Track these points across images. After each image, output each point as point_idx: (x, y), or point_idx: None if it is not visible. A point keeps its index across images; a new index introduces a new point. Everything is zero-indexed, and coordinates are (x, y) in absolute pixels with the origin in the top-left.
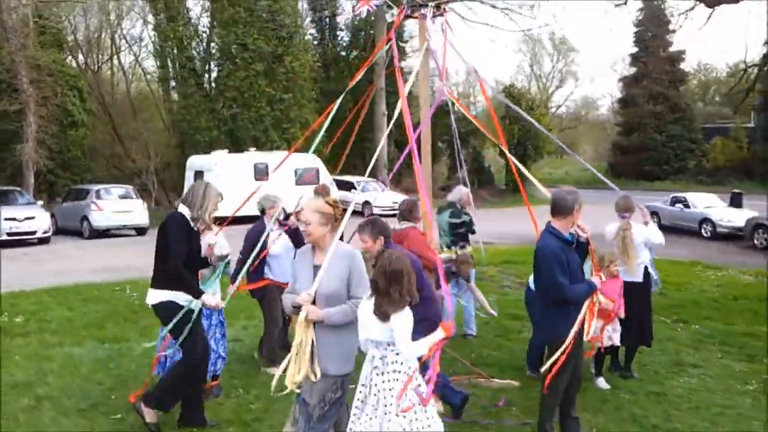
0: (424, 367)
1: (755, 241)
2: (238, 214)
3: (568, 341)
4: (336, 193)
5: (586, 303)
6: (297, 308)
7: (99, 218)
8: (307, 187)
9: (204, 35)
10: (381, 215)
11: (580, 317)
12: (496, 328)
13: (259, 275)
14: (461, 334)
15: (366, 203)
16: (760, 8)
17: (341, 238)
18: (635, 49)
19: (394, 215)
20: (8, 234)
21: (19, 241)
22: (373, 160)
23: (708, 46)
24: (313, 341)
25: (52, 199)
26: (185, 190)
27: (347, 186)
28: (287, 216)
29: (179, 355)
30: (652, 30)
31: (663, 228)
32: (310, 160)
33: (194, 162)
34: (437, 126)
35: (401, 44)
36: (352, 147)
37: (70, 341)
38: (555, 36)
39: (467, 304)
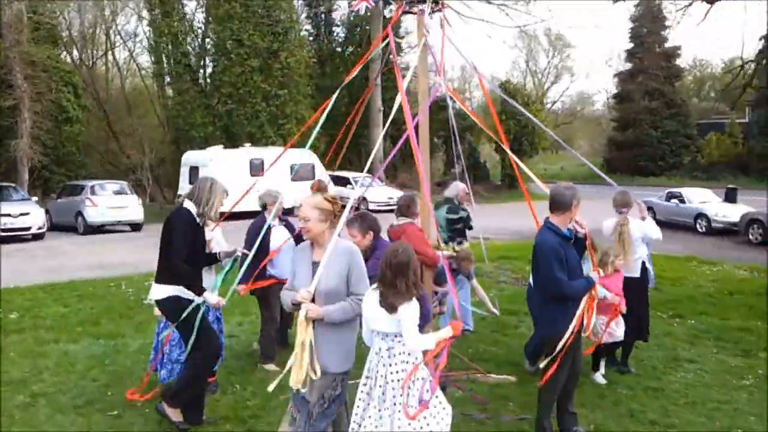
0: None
1: (750, 237)
2: (235, 209)
3: (566, 337)
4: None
5: (585, 298)
6: (296, 306)
7: (94, 214)
8: (304, 183)
9: (199, 31)
10: (376, 211)
11: (578, 313)
12: (492, 324)
13: (262, 273)
14: None
15: (363, 199)
16: (757, 4)
17: None
18: (631, 45)
19: (389, 210)
20: (3, 230)
21: (13, 237)
22: (371, 157)
23: (703, 43)
24: (311, 339)
25: (47, 195)
26: (180, 186)
27: (343, 182)
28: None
29: (177, 353)
30: (648, 26)
31: (658, 223)
32: (306, 156)
33: (189, 158)
34: (433, 121)
35: (397, 40)
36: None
37: (65, 338)
38: (551, 32)
39: (464, 301)
